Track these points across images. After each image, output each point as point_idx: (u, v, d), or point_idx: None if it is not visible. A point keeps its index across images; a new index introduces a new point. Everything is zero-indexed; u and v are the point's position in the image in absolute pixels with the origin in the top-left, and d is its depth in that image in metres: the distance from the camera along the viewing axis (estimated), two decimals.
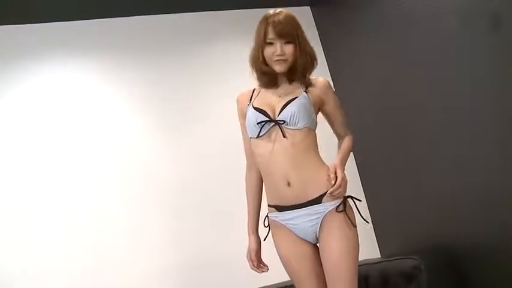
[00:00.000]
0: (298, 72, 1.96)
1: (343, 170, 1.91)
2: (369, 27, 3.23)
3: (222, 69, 3.45)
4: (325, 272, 1.88)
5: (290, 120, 1.89)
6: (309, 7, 3.76)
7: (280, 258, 2.00)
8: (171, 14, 3.45)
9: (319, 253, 1.94)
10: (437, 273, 2.56)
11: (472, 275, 2.55)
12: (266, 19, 1.93)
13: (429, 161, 2.79)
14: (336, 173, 1.86)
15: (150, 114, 3.29)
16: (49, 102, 3.17)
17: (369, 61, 3.25)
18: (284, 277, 2.68)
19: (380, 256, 3.29)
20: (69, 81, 3.24)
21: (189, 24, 3.50)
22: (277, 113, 1.93)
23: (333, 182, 1.84)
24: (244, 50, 3.23)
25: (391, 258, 2.73)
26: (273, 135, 1.92)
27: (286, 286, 2.62)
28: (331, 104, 2.04)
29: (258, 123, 1.92)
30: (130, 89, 3.30)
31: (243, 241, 3.06)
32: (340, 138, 2.12)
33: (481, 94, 2.35)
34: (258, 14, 3.06)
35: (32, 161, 3.04)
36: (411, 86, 2.85)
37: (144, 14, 3.42)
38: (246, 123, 2.00)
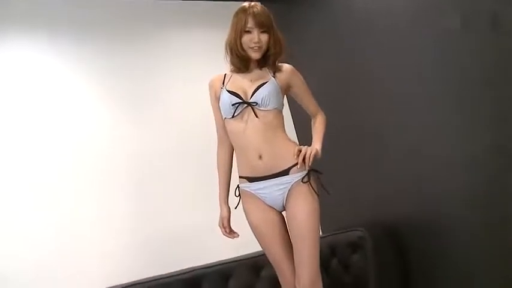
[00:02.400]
0: (270, 59, 2.19)
1: (320, 147, 2.17)
2: (322, 26, 3.49)
3: (184, 55, 3.62)
4: (291, 233, 2.13)
5: (262, 102, 2.12)
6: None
7: (250, 224, 2.21)
8: None
9: (284, 221, 2.19)
10: (380, 243, 2.90)
11: (407, 242, 2.95)
12: (245, 10, 2.14)
13: (374, 147, 3.13)
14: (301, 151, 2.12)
15: (111, 93, 3.35)
16: (8, 80, 3.13)
17: (321, 60, 3.50)
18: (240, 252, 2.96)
19: (321, 233, 3.59)
20: (29, 59, 3.21)
21: (158, 10, 3.59)
22: (249, 95, 2.14)
23: (297, 157, 2.10)
24: (206, 39, 3.45)
25: (337, 232, 3.02)
26: (246, 116, 2.13)
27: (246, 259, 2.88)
28: (298, 87, 2.28)
29: (232, 105, 2.13)
30: (91, 68, 3.33)
31: (203, 216, 3.29)
32: (312, 116, 2.36)
33: (434, 92, 2.72)
34: (218, 6, 3.29)
35: None
36: (360, 86, 3.18)
37: None
38: (221, 105, 2.19)
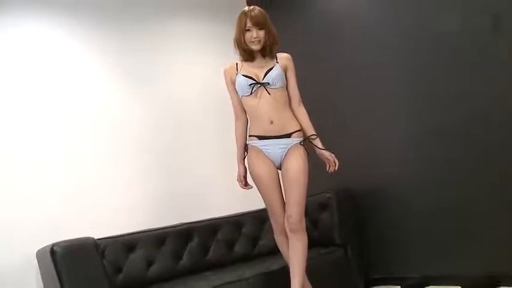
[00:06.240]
0: (267, 49, 2.77)
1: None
2: (302, 29, 4.01)
3: (184, 40, 4.04)
4: (284, 181, 2.72)
5: (272, 82, 2.73)
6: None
7: (254, 175, 2.77)
8: None
9: (279, 177, 2.79)
10: (343, 203, 3.56)
11: (363, 202, 3.65)
12: (245, 13, 2.73)
13: (342, 129, 3.76)
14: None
15: (121, 67, 3.67)
16: (23, 56, 3.29)
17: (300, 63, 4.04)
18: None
19: None
20: (47, 37, 3.40)
21: None
22: (261, 78, 2.73)
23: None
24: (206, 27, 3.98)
25: (311, 195, 3.61)
26: (259, 93, 2.73)
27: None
28: (290, 71, 2.85)
29: (249, 85, 2.72)
30: (102, 47, 3.61)
31: (206, 174, 3.89)
32: (295, 104, 2.85)
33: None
34: None
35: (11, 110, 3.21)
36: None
37: None
38: (238, 86, 2.76)
